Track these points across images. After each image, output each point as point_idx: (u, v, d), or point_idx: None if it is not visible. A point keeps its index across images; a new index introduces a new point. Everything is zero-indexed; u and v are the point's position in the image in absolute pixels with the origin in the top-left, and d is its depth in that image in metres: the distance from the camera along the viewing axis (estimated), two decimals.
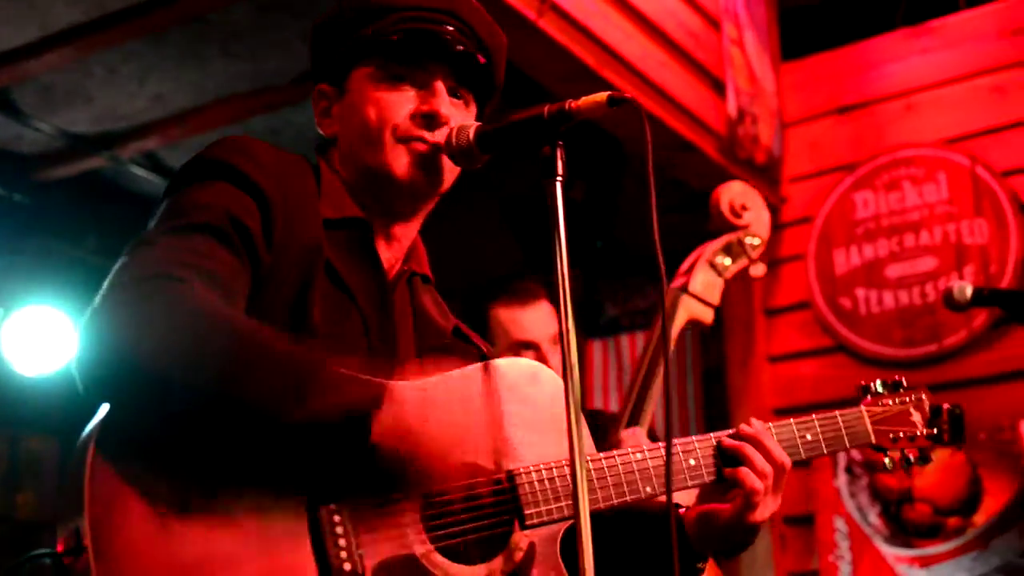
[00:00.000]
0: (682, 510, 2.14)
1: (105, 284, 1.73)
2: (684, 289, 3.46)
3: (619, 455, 2.05)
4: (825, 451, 2.23)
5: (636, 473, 2.03)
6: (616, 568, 1.79)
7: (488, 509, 1.91)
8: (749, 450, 2.08)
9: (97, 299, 1.71)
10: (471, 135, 2.00)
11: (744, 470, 2.07)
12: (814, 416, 2.23)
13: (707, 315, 3.50)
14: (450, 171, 2.09)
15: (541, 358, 3.59)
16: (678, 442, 2.08)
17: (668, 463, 1.94)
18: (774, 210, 5.64)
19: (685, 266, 3.52)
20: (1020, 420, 4.90)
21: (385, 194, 2.07)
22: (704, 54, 5.12)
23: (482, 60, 2.11)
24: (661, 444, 2.05)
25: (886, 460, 2.32)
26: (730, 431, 2.15)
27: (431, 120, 2.04)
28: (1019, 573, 4.81)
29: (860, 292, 5.37)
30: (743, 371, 5.55)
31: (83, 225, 6.29)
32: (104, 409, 1.70)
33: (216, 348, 1.67)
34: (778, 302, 5.62)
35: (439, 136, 2.05)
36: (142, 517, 1.64)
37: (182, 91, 5.30)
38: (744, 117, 5.27)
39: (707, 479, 2.10)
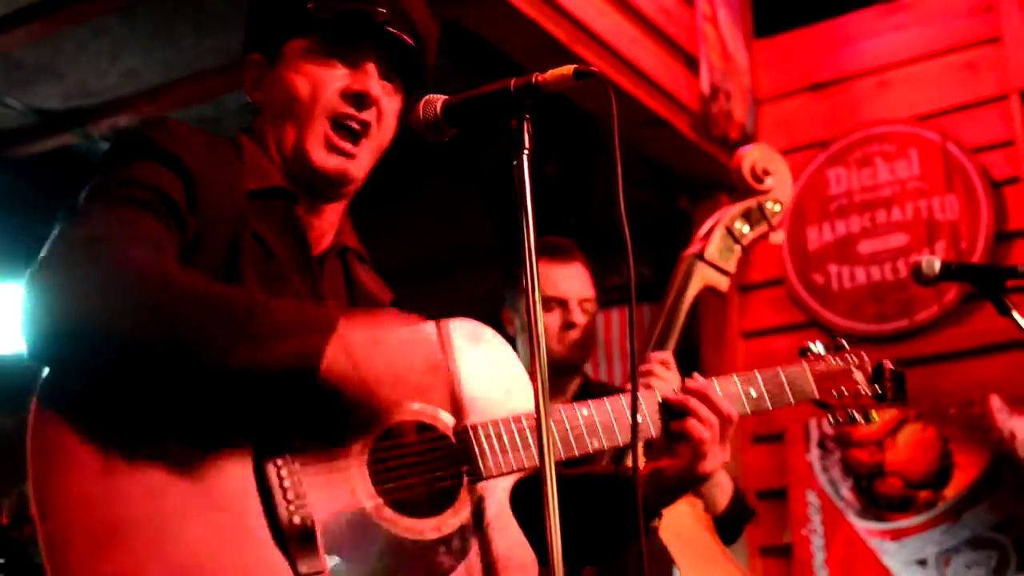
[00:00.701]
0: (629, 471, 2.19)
1: (43, 251, 1.76)
2: (700, 256, 3.40)
3: (565, 411, 2.07)
4: (770, 405, 2.26)
5: (583, 428, 2.07)
6: (568, 530, 1.82)
7: (438, 463, 1.93)
8: (694, 403, 2.14)
9: (37, 266, 1.73)
10: (438, 108, 2.01)
11: (691, 421, 2.13)
12: (756, 372, 2.27)
13: (722, 282, 3.44)
14: (370, 157, 2.14)
15: (567, 316, 3.60)
16: (624, 398, 2.12)
17: (634, 430, 1.97)
18: None
19: (703, 231, 3.45)
20: (990, 394, 4.94)
21: (301, 172, 2.10)
22: (677, 30, 5.12)
23: (410, 42, 2.14)
24: (606, 400, 2.10)
25: (830, 418, 2.37)
26: (675, 386, 2.19)
27: (360, 99, 2.09)
28: (989, 545, 4.85)
29: (833, 268, 5.39)
30: (717, 347, 5.57)
31: (55, 202, 6.24)
32: (46, 371, 1.71)
33: (157, 299, 1.69)
34: (751, 278, 5.64)
35: (367, 116, 2.10)
36: (88, 472, 1.64)
37: (153, 67, 5.26)
38: (717, 94, 5.27)
39: (653, 434, 2.14)
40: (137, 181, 1.87)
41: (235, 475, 1.74)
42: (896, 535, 5.03)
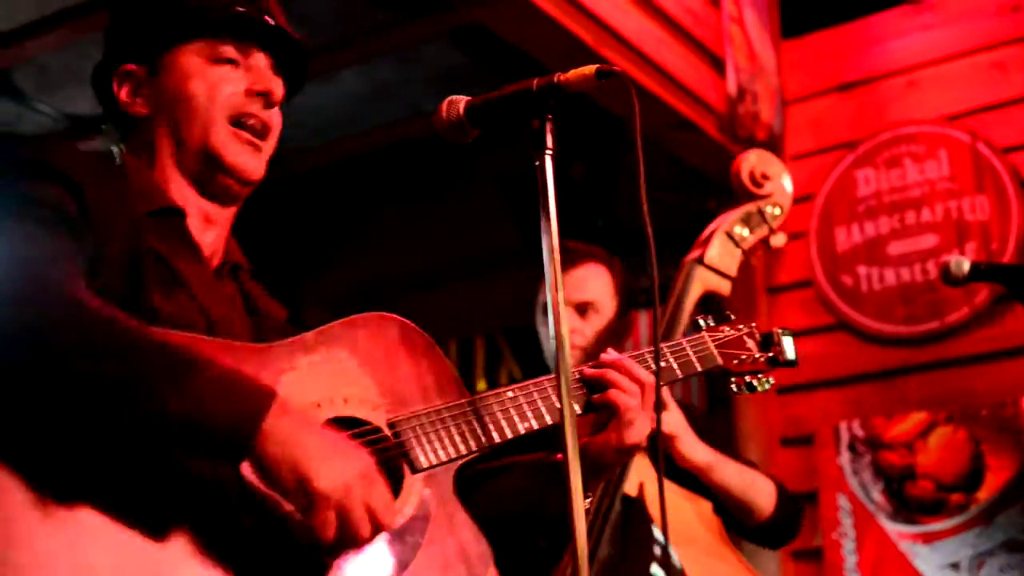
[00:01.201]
0: (559, 455, 2.19)
1: None
2: (700, 260, 3.39)
3: (494, 395, 2.08)
4: (679, 374, 2.31)
5: (512, 411, 2.08)
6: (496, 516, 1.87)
7: (378, 456, 1.87)
8: (612, 374, 2.17)
9: None
10: (461, 109, 2.01)
11: (612, 392, 2.16)
12: (663, 345, 2.32)
13: (724, 287, 3.43)
14: (267, 157, 2.12)
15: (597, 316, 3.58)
16: (544, 379, 2.15)
17: (659, 431, 1.96)
18: None
19: (703, 237, 3.46)
20: (1022, 396, 4.89)
21: (210, 175, 2.07)
22: (703, 32, 5.10)
23: (297, 37, 2.15)
24: (530, 382, 2.13)
25: (732, 386, 2.44)
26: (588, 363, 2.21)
27: (265, 98, 2.09)
28: (1023, 549, 4.81)
29: (862, 269, 5.36)
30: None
31: None
32: None
33: (102, 335, 1.65)
34: (780, 280, 5.61)
35: (268, 116, 2.10)
36: (23, 504, 1.58)
37: None
38: (744, 95, 5.25)
39: (578, 410, 2.14)
40: (35, 200, 1.82)
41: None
42: (928, 538, 4.98)
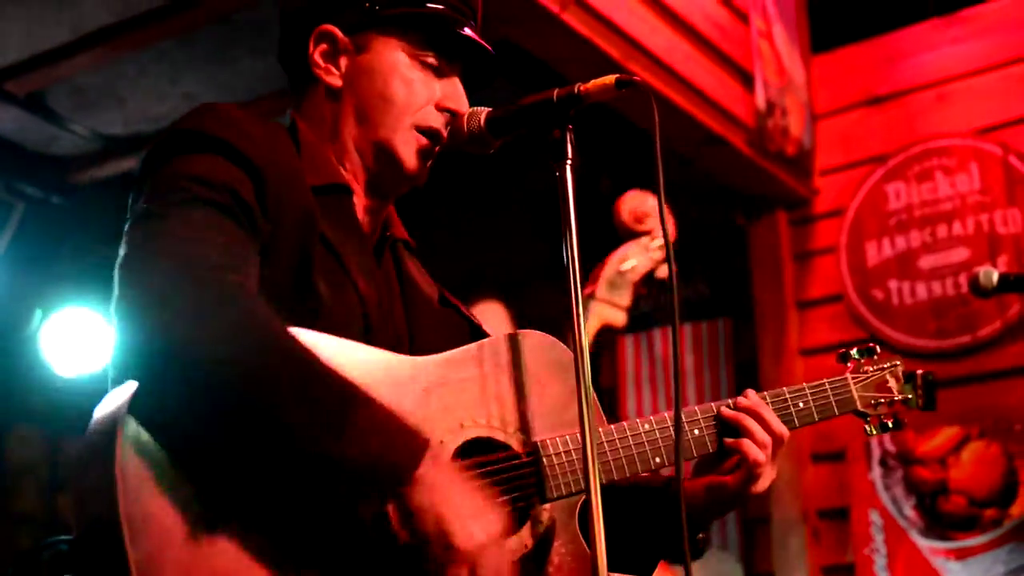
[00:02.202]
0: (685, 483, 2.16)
1: (130, 265, 1.69)
2: (592, 296, 3.62)
3: (629, 428, 2.07)
4: (816, 418, 2.28)
5: (646, 445, 2.06)
6: (622, 540, 1.81)
7: (508, 484, 1.91)
8: (749, 422, 2.12)
9: (129, 281, 1.67)
10: (482, 120, 2.02)
11: (746, 442, 2.10)
12: (805, 385, 2.28)
13: (618, 318, 3.66)
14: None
15: None
16: (683, 412, 2.09)
17: (678, 447, 1.96)
18: (806, 203, 5.63)
19: (593, 275, 3.69)
20: None
21: (383, 170, 2.06)
22: (732, 47, 5.10)
23: (492, 54, 2.13)
24: (666, 414, 2.09)
25: (867, 427, 2.40)
26: (727, 401, 2.17)
27: (453, 117, 2.06)
28: None
29: (893, 284, 5.33)
30: (775, 364, 5.52)
31: (120, 227, 6.33)
32: (123, 396, 1.64)
33: (260, 351, 1.64)
34: (810, 295, 5.59)
35: (446, 130, 2.07)
36: (171, 513, 1.60)
37: (213, 90, 5.32)
38: (773, 109, 5.25)
39: (710, 449, 2.13)
40: (208, 180, 1.77)
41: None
42: (961, 554, 4.95)
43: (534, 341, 2.02)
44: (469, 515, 1.70)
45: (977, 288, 3.09)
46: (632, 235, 3.70)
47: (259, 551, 1.64)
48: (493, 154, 2.07)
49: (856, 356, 2.41)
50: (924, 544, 5.02)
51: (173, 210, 1.74)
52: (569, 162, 1.93)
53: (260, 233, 1.81)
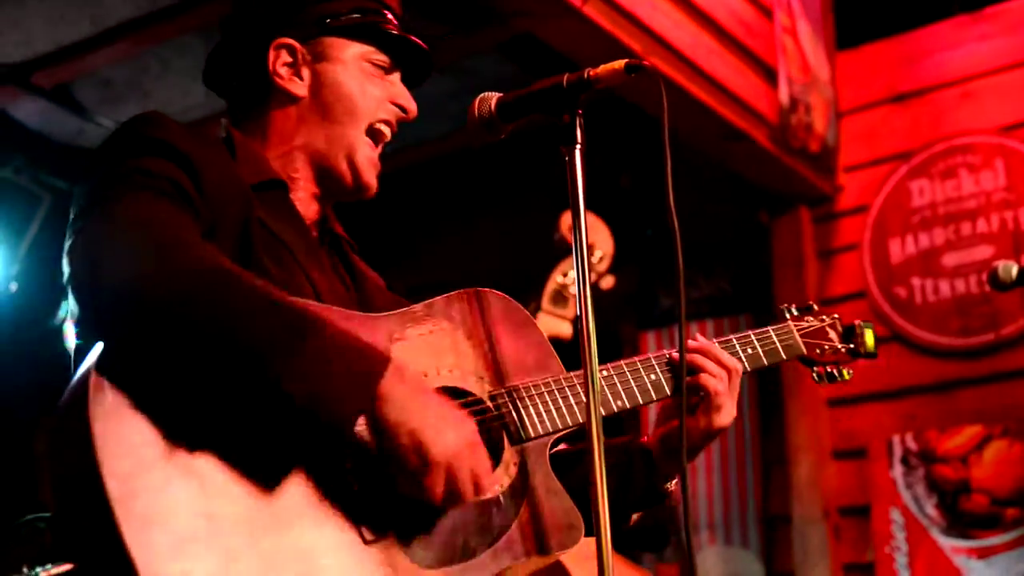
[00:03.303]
0: (644, 438, 2.27)
1: (84, 224, 1.77)
2: (538, 308, 3.81)
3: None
4: (765, 362, 2.36)
5: (605, 391, 2.11)
6: (583, 496, 1.89)
7: (479, 427, 1.92)
8: (700, 359, 2.21)
9: (83, 240, 1.75)
10: (492, 106, 2.03)
11: (702, 375, 2.19)
12: (751, 332, 2.37)
13: (563, 328, 3.84)
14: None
15: None
16: (637, 359, 2.20)
17: (683, 445, 1.96)
18: (829, 199, 5.61)
19: (544, 289, 3.90)
20: None
21: (341, 175, 2.13)
22: (755, 43, 5.09)
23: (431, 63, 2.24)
24: (623, 361, 2.18)
25: (814, 374, 2.50)
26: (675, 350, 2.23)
27: (405, 114, 2.17)
28: None
29: (916, 281, 5.31)
30: (796, 364, 5.49)
31: None
32: (94, 354, 1.70)
33: (219, 288, 1.70)
34: (833, 292, 5.57)
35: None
36: (155, 455, 1.64)
37: None
38: (797, 106, 5.23)
39: (667, 391, 2.19)
40: (151, 172, 1.85)
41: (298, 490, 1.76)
42: (983, 553, 4.92)
43: (489, 298, 2.08)
44: (441, 424, 1.77)
45: (996, 281, 3.08)
46: (571, 249, 3.89)
47: (235, 475, 1.69)
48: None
49: (796, 312, 2.50)
50: (945, 543, 4.99)
51: (124, 194, 1.81)
52: (579, 146, 1.94)
53: (202, 219, 1.87)
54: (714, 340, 2.28)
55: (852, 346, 2.51)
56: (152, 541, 1.58)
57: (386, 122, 2.15)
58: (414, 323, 1.98)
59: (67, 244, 1.79)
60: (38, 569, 3.03)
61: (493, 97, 2.04)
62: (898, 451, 5.15)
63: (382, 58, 2.15)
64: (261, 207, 1.98)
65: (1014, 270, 3.05)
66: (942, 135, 5.40)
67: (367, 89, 2.13)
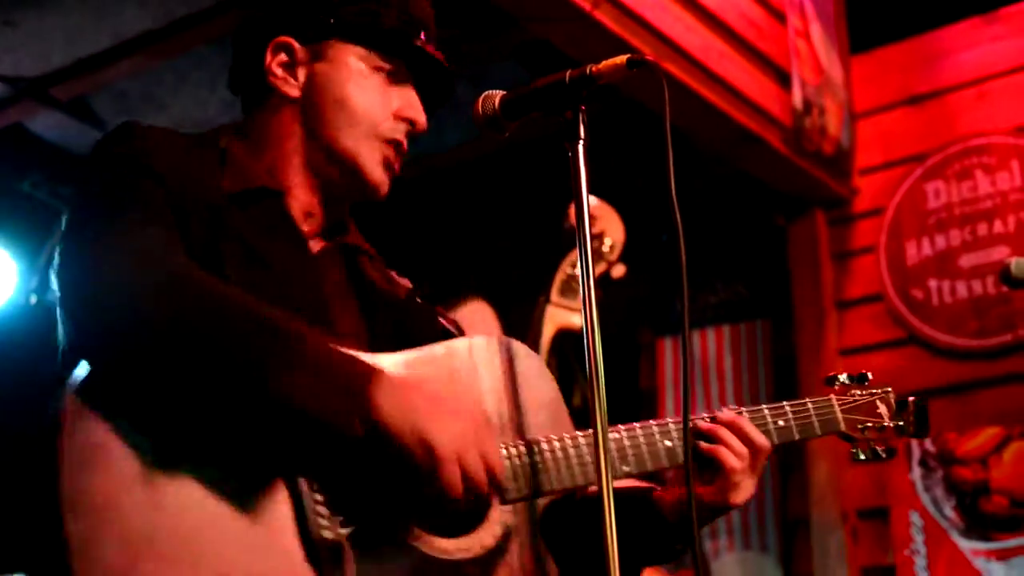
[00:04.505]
0: (657, 492, 2.14)
1: (70, 243, 1.79)
2: (547, 301, 3.76)
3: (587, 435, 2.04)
4: (796, 436, 2.24)
5: (614, 453, 2.03)
6: (589, 552, 1.82)
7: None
8: (723, 432, 2.11)
9: (72, 258, 1.76)
10: (496, 103, 2.04)
11: (722, 449, 2.09)
12: (785, 404, 2.25)
13: (574, 320, 3.77)
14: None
15: None
16: (654, 423, 2.10)
17: (687, 461, 1.95)
18: (845, 202, 5.61)
19: (553, 280, 3.84)
20: None
21: (340, 180, 2.08)
22: (768, 46, 5.09)
23: (449, 69, 2.16)
24: (633, 425, 2.08)
25: (854, 451, 2.36)
26: (704, 415, 2.16)
27: (412, 128, 2.10)
28: None
29: (932, 283, 5.29)
30: (814, 364, 5.49)
31: None
32: (86, 371, 1.70)
33: (206, 304, 1.70)
34: (849, 294, 5.56)
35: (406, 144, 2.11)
36: (124, 477, 1.64)
37: None
38: (811, 108, 5.23)
39: (680, 460, 2.09)
40: (129, 189, 1.84)
41: (267, 486, 1.74)
42: (1003, 555, 4.89)
43: (499, 344, 2.03)
44: (442, 414, 1.74)
45: (1008, 278, 3.05)
46: None
47: (223, 503, 1.68)
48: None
49: (844, 381, 2.39)
50: (965, 545, 4.97)
51: (109, 212, 1.82)
52: (582, 142, 1.94)
53: (174, 227, 1.86)
54: (744, 411, 2.18)
55: (900, 423, 2.37)
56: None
57: (392, 140, 2.08)
58: (418, 367, 1.92)
59: (55, 263, 1.79)
60: None
61: (497, 95, 2.04)
62: (916, 453, 5.13)
63: (387, 63, 2.08)
64: (241, 218, 1.93)
65: None
66: (957, 136, 5.38)
67: (364, 96, 2.05)
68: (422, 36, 2.12)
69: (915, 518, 5.09)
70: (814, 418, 2.27)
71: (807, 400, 2.29)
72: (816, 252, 5.63)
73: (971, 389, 5.10)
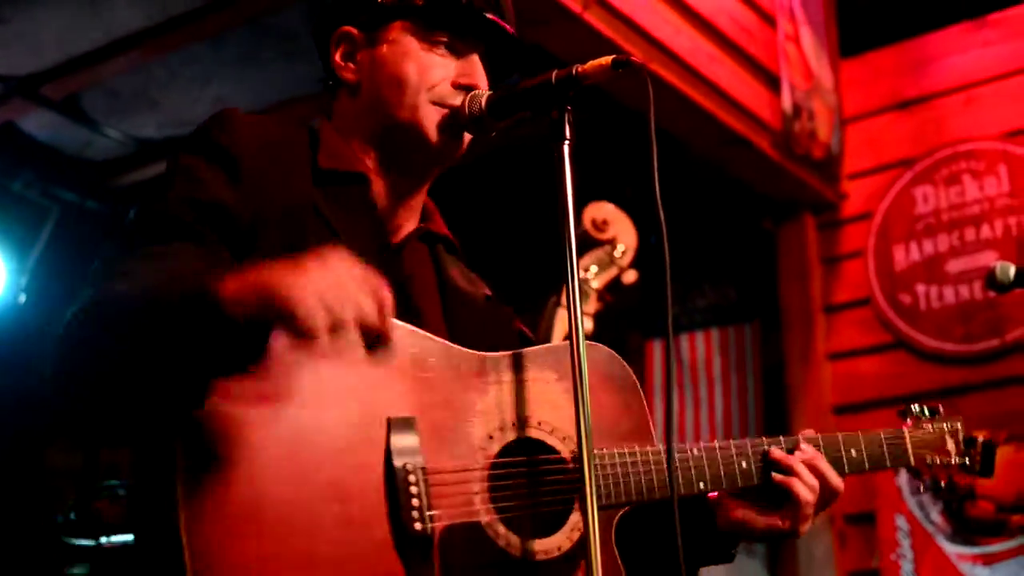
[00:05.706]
0: (712, 499, 2.17)
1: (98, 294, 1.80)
2: (558, 303, 3.76)
3: (679, 450, 2.06)
4: (867, 467, 2.27)
5: (692, 470, 2.06)
6: (664, 551, 1.88)
7: (552, 486, 1.93)
8: (800, 466, 2.12)
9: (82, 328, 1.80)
10: (483, 103, 2.04)
11: (796, 481, 2.11)
12: (859, 433, 2.28)
13: (584, 324, 3.83)
14: (466, 140, 2.12)
15: None
16: (732, 443, 2.12)
17: (671, 468, 1.96)
18: (833, 206, 5.62)
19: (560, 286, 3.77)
20: None
21: (408, 150, 2.08)
22: (758, 50, 5.11)
23: (512, 32, 2.14)
24: (716, 443, 2.11)
25: (920, 485, 2.40)
26: (779, 439, 2.17)
27: (468, 92, 2.07)
28: None
29: (920, 288, 5.31)
30: (803, 369, 5.51)
31: None
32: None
33: (106, 317, 1.74)
34: (837, 299, 5.58)
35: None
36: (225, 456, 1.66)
37: (243, 93, 5.37)
38: (800, 112, 5.25)
39: (755, 482, 2.13)
40: (178, 199, 1.85)
41: (365, 475, 1.75)
42: (988, 560, 4.91)
43: (592, 353, 2.02)
44: (311, 266, 1.61)
45: (994, 282, 3.08)
46: (594, 243, 3.86)
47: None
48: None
49: (917, 413, 2.41)
50: (951, 549, 4.99)
51: (141, 255, 1.81)
52: (567, 142, 1.94)
53: (235, 228, 1.85)
54: (819, 438, 2.19)
55: (967, 462, 2.40)
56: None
57: (445, 104, 2.05)
58: (516, 368, 1.95)
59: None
60: (102, 539, 3.26)
61: (483, 95, 2.04)
62: None
63: (444, 37, 2.08)
64: (330, 204, 1.95)
65: (1012, 271, 3.05)
66: (945, 141, 5.41)
67: (419, 69, 2.05)
68: (482, 5, 2.11)
69: (902, 522, 5.10)
70: (885, 451, 2.30)
71: (880, 432, 2.32)
72: (804, 256, 5.65)
73: (957, 394, 5.11)
